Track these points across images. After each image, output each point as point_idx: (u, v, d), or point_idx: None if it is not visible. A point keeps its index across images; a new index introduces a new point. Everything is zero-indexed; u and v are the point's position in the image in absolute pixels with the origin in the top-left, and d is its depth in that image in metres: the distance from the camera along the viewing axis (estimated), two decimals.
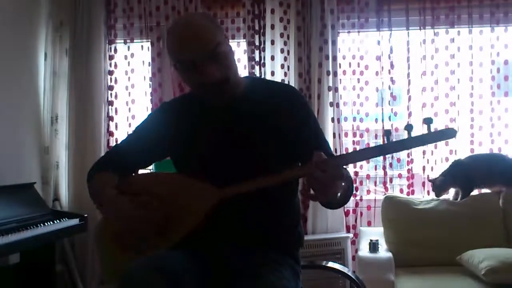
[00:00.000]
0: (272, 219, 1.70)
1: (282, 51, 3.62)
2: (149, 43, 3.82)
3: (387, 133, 1.45)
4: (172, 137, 1.75)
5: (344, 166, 1.57)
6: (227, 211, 1.58)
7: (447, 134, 1.42)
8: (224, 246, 1.65)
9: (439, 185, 3.32)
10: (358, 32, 3.65)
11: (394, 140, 1.43)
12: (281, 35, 3.63)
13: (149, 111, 3.80)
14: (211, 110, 1.72)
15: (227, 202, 1.55)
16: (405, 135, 1.44)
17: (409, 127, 1.42)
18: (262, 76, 3.58)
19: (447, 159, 3.53)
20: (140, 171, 2.05)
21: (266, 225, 1.68)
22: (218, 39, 1.59)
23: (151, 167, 2.62)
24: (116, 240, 1.67)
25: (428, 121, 1.40)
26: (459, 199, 3.33)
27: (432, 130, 1.41)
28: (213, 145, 1.68)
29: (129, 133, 1.88)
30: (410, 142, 1.42)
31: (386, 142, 1.44)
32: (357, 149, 3.63)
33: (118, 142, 1.90)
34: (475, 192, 3.34)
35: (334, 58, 3.60)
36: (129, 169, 1.80)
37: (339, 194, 1.50)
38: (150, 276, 1.42)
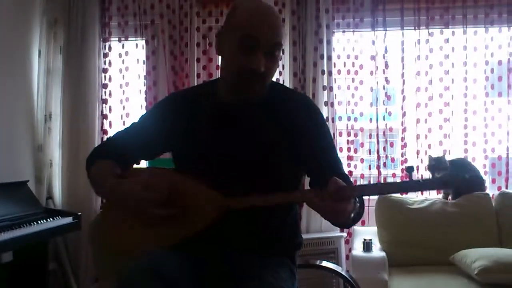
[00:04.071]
0: (275, 226, 1.68)
1: None
2: (144, 41, 3.82)
3: (409, 169, 1.42)
4: (178, 131, 1.70)
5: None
6: (229, 214, 1.55)
7: (476, 184, 1.40)
8: (222, 249, 1.63)
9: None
10: (353, 31, 3.65)
11: (418, 179, 1.41)
12: None
13: (143, 110, 3.79)
14: (226, 110, 1.66)
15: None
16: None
17: (409, 169, 1.41)
18: None
19: None
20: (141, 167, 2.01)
21: (266, 232, 1.67)
22: (283, 42, 1.61)
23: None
24: (117, 230, 1.66)
25: (409, 170, 1.40)
26: (450, 199, 3.35)
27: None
28: (222, 144, 1.64)
29: (133, 122, 1.83)
30: (431, 184, 1.40)
31: (408, 179, 1.41)
32: (351, 148, 3.64)
33: (121, 129, 1.86)
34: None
35: (329, 58, 3.60)
36: (131, 159, 1.77)
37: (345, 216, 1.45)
38: (147, 280, 1.41)
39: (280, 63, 3.61)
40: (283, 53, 3.61)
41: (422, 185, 1.41)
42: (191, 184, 1.61)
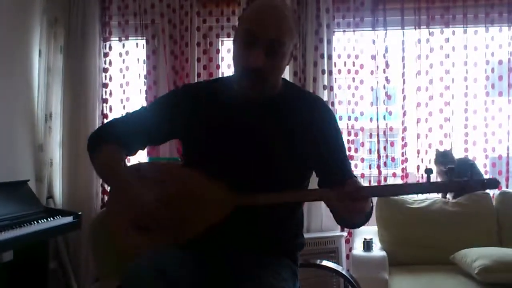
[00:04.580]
0: (277, 227, 1.68)
1: None
2: (144, 40, 3.81)
3: (428, 171, 1.42)
4: (188, 121, 1.70)
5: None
6: (233, 214, 1.55)
7: (490, 184, 1.40)
8: (223, 249, 1.63)
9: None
10: (354, 31, 3.65)
11: (434, 181, 1.43)
12: None
13: None
14: (237, 106, 1.66)
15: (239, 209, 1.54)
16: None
17: (428, 171, 1.42)
18: None
19: None
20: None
21: (270, 233, 1.67)
22: (286, 39, 1.58)
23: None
24: (119, 230, 1.65)
25: (428, 172, 1.40)
26: (450, 198, 3.35)
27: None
28: (231, 142, 1.64)
29: (143, 106, 1.82)
30: (449, 186, 1.41)
31: (427, 181, 1.43)
32: (352, 148, 3.63)
33: (128, 112, 1.83)
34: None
35: (330, 57, 3.60)
36: (135, 144, 1.75)
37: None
38: (150, 279, 1.41)
39: None
40: None
41: (440, 187, 1.42)
42: (199, 181, 1.60)
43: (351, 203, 1.39)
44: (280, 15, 1.58)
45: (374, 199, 3.32)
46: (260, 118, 1.65)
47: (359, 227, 1.70)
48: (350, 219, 1.50)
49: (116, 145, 1.68)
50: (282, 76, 1.74)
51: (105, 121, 3.76)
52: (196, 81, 3.70)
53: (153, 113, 1.75)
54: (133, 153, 1.79)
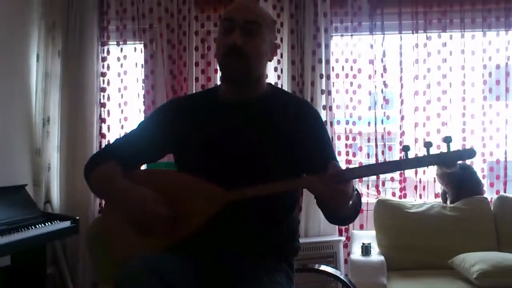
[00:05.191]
0: (271, 229, 1.69)
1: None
2: (142, 45, 3.82)
3: (405, 148, 1.44)
4: (179, 134, 1.74)
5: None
6: (227, 216, 1.56)
7: (466, 154, 1.41)
8: (221, 251, 1.64)
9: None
10: (351, 35, 3.66)
11: (411, 157, 1.42)
12: None
13: (142, 113, 3.79)
14: (225, 110, 1.71)
15: (229, 208, 1.55)
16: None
17: (406, 148, 1.43)
18: None
19: None
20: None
21: (265, 235, 1.68)
22: (261, 21, 1.66)
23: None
24: (116, 234, 1.67)
25: (447, 140, 1.41)
26: (448, 203, 3.35)
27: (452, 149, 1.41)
28: (220, 145, 1.67)
29: (132, 129, 1.85)
30: (427, 160, 1.42)
31: (404, 157, 1.43)
32: (349, 152, 3.64)
33: (119, 137, 1.88)
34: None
35: (327, 62, 3.61)
36: (131, 164, 1.77)
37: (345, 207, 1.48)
38: (147, 280, 1.41)
39: (279, 66, 3.62)
40: (281, 56, 3.63)
41: (419, 162, 1.44)
42: (192, 183, 1.63)
43: (336, 185, 1.39)
44: (254, 2, 1.72)
45: (370, 200, 3.37)
46: (248, 120, 1.69)
47: (348, 222, 1.70)
48: (338, 208, 1.47)
49: (113, 162, 1.71)
50: (277, 83, 1.77)
51: (103, 125, 3.77)
52: (194, 85, 3.70)
53: (145, 132, 1.80)
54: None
